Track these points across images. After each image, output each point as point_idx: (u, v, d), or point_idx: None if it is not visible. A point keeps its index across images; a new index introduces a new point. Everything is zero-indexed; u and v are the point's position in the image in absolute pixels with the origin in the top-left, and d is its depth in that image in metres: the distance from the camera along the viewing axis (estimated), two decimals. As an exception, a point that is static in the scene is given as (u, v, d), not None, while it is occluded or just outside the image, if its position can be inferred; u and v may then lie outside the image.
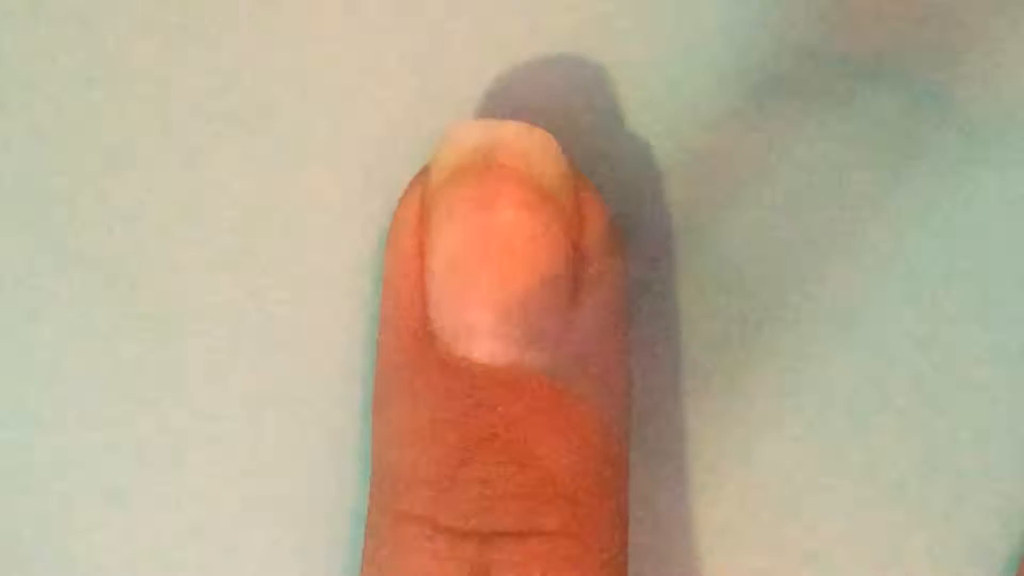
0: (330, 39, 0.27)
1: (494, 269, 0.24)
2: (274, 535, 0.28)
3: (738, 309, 0.28)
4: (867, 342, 0.27)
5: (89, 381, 0.28)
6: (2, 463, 0.28)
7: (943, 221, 0.27)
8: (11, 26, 0.27)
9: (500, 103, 0.27)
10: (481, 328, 0.25)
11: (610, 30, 0.27)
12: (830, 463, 0.28)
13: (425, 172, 0.26)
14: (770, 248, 0.27)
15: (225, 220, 0.28)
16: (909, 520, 0.27)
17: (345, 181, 0.27)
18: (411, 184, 0.26)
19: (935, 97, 0.27)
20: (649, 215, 0.27)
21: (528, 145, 0.25)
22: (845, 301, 0.27)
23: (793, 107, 0.27)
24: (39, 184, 0.28)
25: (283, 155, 0.27)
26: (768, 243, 0.27)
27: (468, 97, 0.27)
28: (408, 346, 0.25)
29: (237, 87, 0.27)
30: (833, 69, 0.27)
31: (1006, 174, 0.27)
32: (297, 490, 0.28)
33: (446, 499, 0.24)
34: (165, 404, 0.28)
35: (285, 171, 0.27)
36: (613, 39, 0.27)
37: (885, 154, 0.27)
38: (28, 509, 0.28)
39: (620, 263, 0.26)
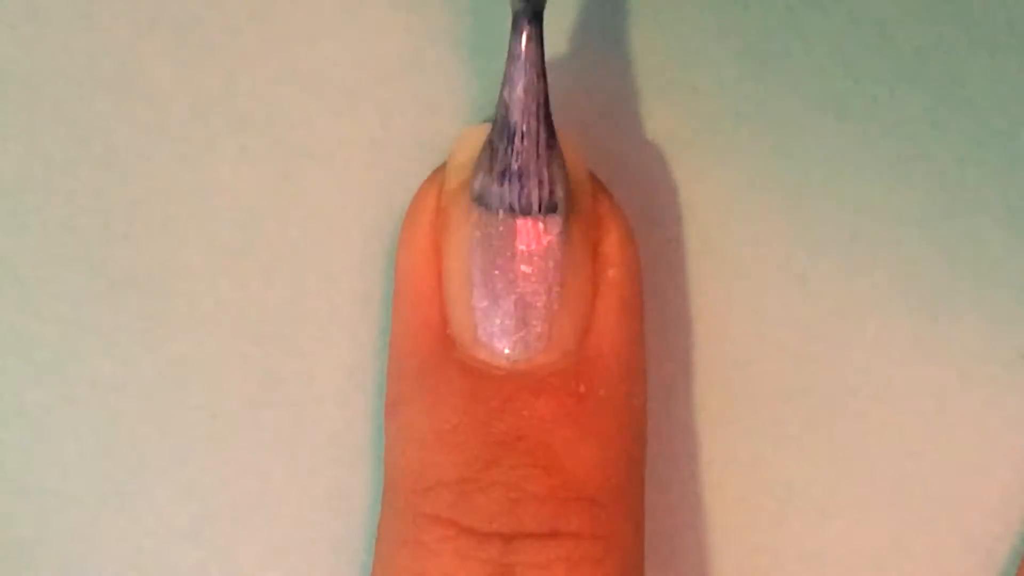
0: (330, 39, 0.27)
1: (515, 272, 0.24)
2: (275, 536, 0.28)
3: (738, 309, 0.28)
4: (867, 342, 0.27)
5: (89, 381, 0.28)
6: (2, 463, 0.28)
7: (943, 221, 0.27)
8: (11, 26, 0.27)
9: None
10: (503, 332, 0.25)
11: (611, 30, 0.27)
12: (830, 463, 0.28)
13: (440, 172, 0.26)
14: (770, 248, 0.27)
15: (225, 220, 0.28)
16: (909, 520, 0.27)
17: (345, 181, 0.27)
18: (425, 185, 0.26)
19: (934, 96, 0.27)
20: (650, 215, 0.27)
21: None
22: (845, 301, 0.27)
23: (793, 107, 0.27)
24: (39, 184, 0.28)
25: (283, 155, 0.27)
26: (768, 243, 0.27)
27: (469, 97, 0.27)
28: (426, 347, 0.25)
29: (237, 87, 0.27)
30: (833, 69, 0.27)
31: (1006, 174, 0.27)
32: (298, 491, 0.28)
33: (470, 501, 0.24)
34: (165, 404, 0.28)
35: (285, 171, 0.27)
36: (613, 39, 0.27)
37: (885, 152, 0.27)
38: (28, 509, 0.28)
39: (636, 265, 0.26)
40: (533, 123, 0.24)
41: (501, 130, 0.24)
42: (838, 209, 0.27)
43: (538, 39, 0.24)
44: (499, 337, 0.25)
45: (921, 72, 0.27)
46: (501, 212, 0.24)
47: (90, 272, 0.28)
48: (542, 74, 0.24)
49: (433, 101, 0.27)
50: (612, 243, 0.25)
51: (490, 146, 0.25)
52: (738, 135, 0.27)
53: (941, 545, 0.27)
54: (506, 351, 0.25)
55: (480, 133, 0.25)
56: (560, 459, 0.25)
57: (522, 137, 0.24)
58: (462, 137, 0.26)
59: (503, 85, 0.24)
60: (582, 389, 0.25)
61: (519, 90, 0.24)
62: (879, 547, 0.28)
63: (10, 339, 0.28)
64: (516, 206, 0.24)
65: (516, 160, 0.24)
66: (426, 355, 0.25)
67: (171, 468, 0.28)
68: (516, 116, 0.24)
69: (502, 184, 0.24)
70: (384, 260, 0.27)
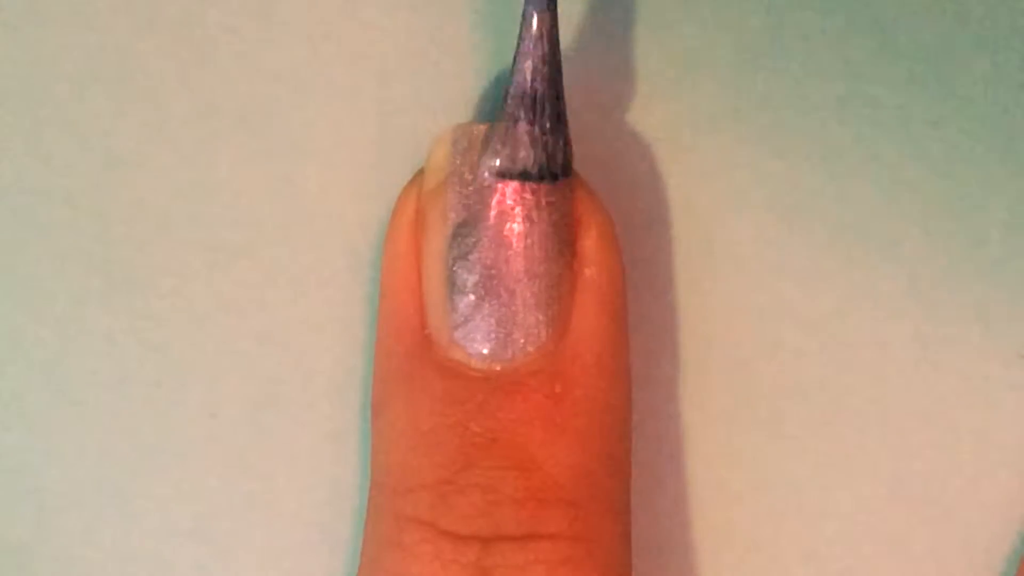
0: (330, 39, 0.27)
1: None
2: (274, 535, 0.28)
3: (737, 309, 0.28)
4: (867, 342, 0.27)
5: (89, 381, 0.28)
6: (2, 463, 0.28)
7: (943, 221, 0.27)
8: (11, 26, 0.27)
9: (500, 104, 0.27)
10: (479, 333, 0.25)
11: (610, 30, 0.27)
12: (830, 463, 0.28)
13: (419, 176, 0.26)
14: (770, 248, 0.27)
15: (225, 220, 0.28)
16: (909, 520, 0.27)
17: (345, 181, 0.27)
18: (407, 187, 0.26)
19: (935, 97, 0.27)
20: (649, 215, 0.27)
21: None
22: (845, 301, 0.27)
23: (793, 107, 0.27)
24: (39, 184, 0.28)
25: (283, 155, 0.27)
26: (768, 243, 0.27)
27: (468, 97, 0.27)
28: (406, 349, 0.25)
29: (237, 87, 0.27)
30: (833, 69, 0.27)
31: (1006, 173, 0.27)
32: (296, 490, 0.28)
33: (447, 503, 0.24)
34: (165, 404, 0.28)
35: (285, 171, 0.27)
36: (613, 39, 0.27)
37: (886, 152, 0.27)
38: (28, 509, 0.28)
39: (618, 264, 0.26)
40: (551, 89, 0.25)
41: (518, 100, 0.25)
42: (838, 209, 0.27)
43: (552, 24, 0.25)
44: (475, 338, 0.25)
45: (921, 72, 0.27)
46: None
47: (90, 272, 0.28)
48: (558, 51, 0.25)
49: (433, 101, 0.27)
50: (591, 241, 0.25)
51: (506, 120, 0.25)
52: (738, 135, 0.27)
53: (941, 545, 0.27)
54: (483, 351, 0.25)
55: (456, 132, 0.25)
56: (537, 460, 0.24)
57: (545, 112, 0.25)
58: (439, 138, 0.26)
59: (515, 63, 0.25)
60: (558, 390, 0.25)
61: (535, 62, 0.25)
62: (879, 547, 0.27)
63: (10, 339, 0.28)
64: (534, 170, 0.25)
65: (536, 129, 0.25)
66: (406, 356, 0.25)
67: (171, 468, 0.28)
68: (537, 86, 0.25)
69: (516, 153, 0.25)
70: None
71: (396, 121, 0.27)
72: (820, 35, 0.27)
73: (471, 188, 0.25)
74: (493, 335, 0.25)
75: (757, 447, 0.28)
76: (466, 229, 0.25)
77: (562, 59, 0.26)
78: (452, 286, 0.25)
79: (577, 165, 0.26)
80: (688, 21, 0.27)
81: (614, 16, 0.27)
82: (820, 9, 0.27)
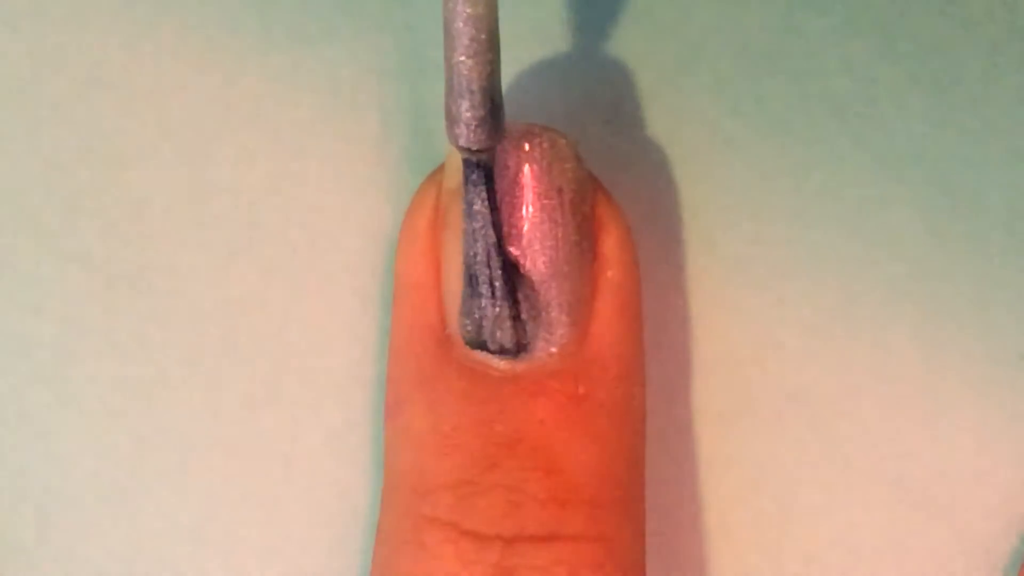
0: (330, 39, 0.27)
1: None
2: (276, 536, 0.28)
3: (738, 309, 0.28)
4: (867, 342, 0.27)
5: (89, 380, 0.28)
6: (2, 463, 0.28)
7: (943, 221, 0.27)
8: (11, 26, 0.27)
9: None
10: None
11: (611, 30, 0.27)
12: (830, 463, 0.28)
13: (439, 171, 0.26)
14: (770, 247, 0.27)
15: (226, 220, 0.28)
16: (909, 520, 0.27)
17: (345, 181, 0.27)
18: (424, 185, 0.26)
19: (935, 97, 0.27)
20: (650, 215, 0.27)
21: (547, 149, 0.25)
22: (845, 301, 0.27)
23: (793, 107, 0.27)
24: (39, 184, 0.28)
25: (283, 155, 0.27)
26: (768, 243, 0.27)
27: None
28: (425, 348, 0.25)
29: (237, 87, 0.27)
30: (833, 69, 0.27)
31: (1006, 173, 0.27)
32: (298, 490, 0.28)
33: (470, 504, 0.24)
34: (165, 404, 0.28)
35: (285, 171, 0.27)
36: (613, 39, 0.27)
37: (885, 152, 0.27)
38: (28, 509, 0.28)
39: (635, 266, 0.26)
40: (488, 274, 0.25)
41: (468, 280, 0.25)
42: (838, 209, 0.27)
43: (488, 189, 0.24)
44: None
45: (921, 72, 0.27)
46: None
47: (90, 272, 0.28)
48: (493, 223, 0.24)
49: (433, 101, 0.27)
50: (611, 244, 0.25)
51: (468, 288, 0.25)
52: (738, 135, 0.27)
53: (941, 545, 0.27)
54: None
55: None
56: (559, 461, 0.24)
57: (484, 293, 0.25)
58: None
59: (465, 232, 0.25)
60: (581, 391, 0.25)
61: (477, 245, 0.24)
62: (879, 547, 0.28)
63: (10, 339, 0.28)
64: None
65: (483, 314, 0.25)
66: (425, 356, 0.25)
67: (171, 468, 0.28)
68: (476, 270, 0.25)
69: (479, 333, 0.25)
70: (384, 260, 0.27)
71: (396, 121, 0.27)
72: (820, 35, 0.27)
73: (493, 188, 0.25)
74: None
75: (757, 447, 0.28)
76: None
77: (562, 60, 0.26)
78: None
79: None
80: (688, 21, 0.27)
81: (614, 17, 0.27)
82: (820, 9, 0.27)
